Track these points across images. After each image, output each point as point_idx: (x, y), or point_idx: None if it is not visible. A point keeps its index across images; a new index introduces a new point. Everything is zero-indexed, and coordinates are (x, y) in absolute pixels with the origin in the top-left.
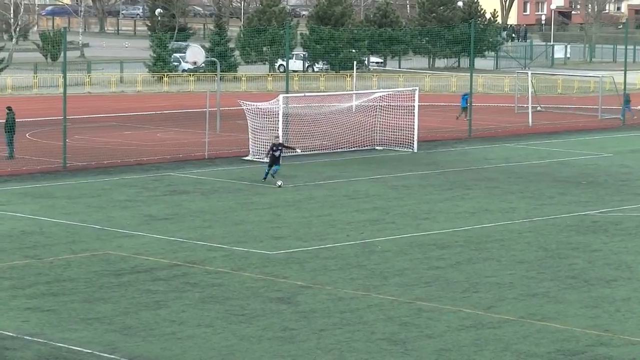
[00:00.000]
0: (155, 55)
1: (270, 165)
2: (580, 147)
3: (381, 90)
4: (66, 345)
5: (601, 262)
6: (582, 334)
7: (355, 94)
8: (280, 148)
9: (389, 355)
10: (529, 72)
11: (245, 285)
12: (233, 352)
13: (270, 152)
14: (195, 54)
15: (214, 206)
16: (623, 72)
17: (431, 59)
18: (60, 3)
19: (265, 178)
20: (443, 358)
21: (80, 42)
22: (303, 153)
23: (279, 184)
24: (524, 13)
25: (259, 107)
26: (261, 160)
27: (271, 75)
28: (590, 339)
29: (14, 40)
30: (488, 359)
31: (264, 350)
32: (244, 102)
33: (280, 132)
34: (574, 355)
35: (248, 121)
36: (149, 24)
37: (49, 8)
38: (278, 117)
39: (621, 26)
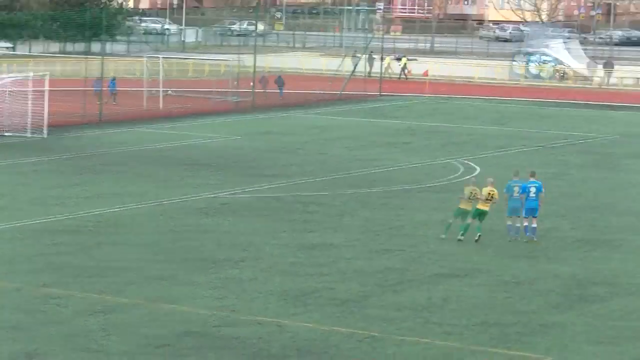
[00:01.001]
0: None
1: None
2: (211, 130)
3: (10, 75)
4: None
5: (230, 243)
6: (210, 315)
7: None
8: None
9: (15, 342)
10: (160, 56)
11: None
12: None
13: None
14: None
15: None
16: (253, 55)
17: (62, 44)
18: None
19: None
20: (71, 344)
21: None
22: None
23: None
24: None
25: None
26: None
27: None
28: (218, 320)
29: None
30: (116, 343)
31: None
32: None
33: None
34: (203, 336)
35: None
36: None
37: None
38: None
39: (252, 10)
